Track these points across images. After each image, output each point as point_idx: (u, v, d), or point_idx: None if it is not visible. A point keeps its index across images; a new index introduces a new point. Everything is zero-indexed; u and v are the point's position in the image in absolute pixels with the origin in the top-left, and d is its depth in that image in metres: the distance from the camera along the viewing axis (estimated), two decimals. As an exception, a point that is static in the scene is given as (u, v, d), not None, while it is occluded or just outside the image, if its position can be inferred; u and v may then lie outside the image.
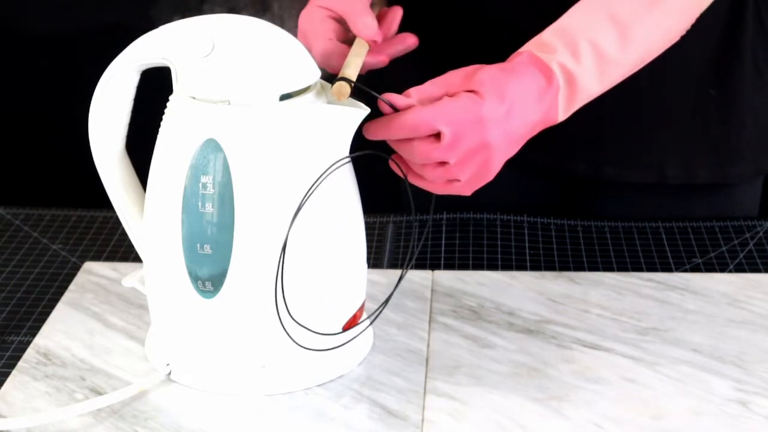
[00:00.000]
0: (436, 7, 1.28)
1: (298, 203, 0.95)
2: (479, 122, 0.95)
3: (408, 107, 0.95)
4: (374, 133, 0.96)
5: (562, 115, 1.01)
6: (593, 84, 1.01)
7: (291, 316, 0.96)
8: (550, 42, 1.00)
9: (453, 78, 0.97)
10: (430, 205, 1.01)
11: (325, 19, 1.07)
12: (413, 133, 0.94)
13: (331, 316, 1.00)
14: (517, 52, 1.00)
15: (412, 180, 0.98)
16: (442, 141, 0.94)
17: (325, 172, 0.95)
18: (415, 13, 1.18)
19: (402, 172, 0.98)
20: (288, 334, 0.97)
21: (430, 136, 0.95)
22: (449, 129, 0.94)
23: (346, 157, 0.96)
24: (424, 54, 1.09)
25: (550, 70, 0.98)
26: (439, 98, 0.96)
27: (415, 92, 0.96)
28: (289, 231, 0.94)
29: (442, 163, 0.96)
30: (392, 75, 1.11)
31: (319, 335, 0.99)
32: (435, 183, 0.98)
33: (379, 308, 1.00)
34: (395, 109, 0.95)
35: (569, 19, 1.01)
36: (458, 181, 0.97)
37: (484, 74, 0.96)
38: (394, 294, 1.12)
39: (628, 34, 1.01)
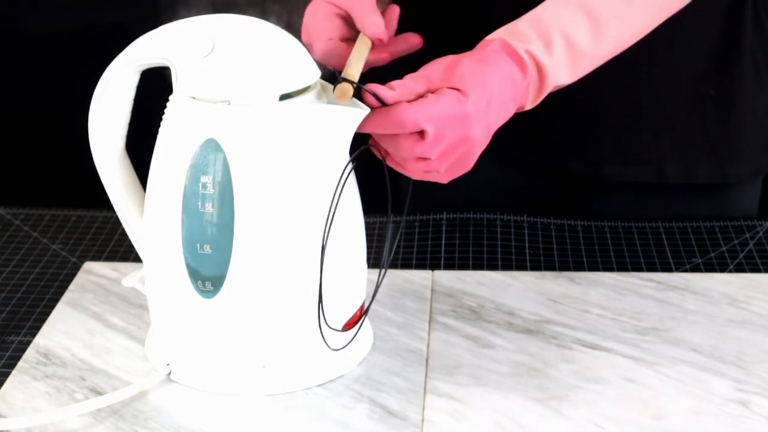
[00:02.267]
0: (436, 8, 1.28)
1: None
2: (463, 119, 0.95)
3: (393, 101, 0.95)
4: (361, 126, 0.96)
5: (530, 105, 1.01)
6: (564, 76, 1.01)
7: (329, 326, 0.97)
8: (524, 32, 1.00)
9: (432, 72, 0.97)
10: (406, 204, 1.02)
11: (329, 16, 1.07)
12: (398, 130, 0.95)
13: (331, 315, 1.00)
14: (488, 38, 1.00)
15: (390, 164, 0.98)
16: (426, 139, 0.94)
17: (346, 167, 0.95)
18: (415, 13, 1.18)
19: (381, 154, 0.98)
20: (323, 338, 0.97)
21: (414, 133, 0.95)
22: (433, 127, 0.94)
23: (363, 148, 0.96)
24: (424, 54, 1.08)
25: (523, 60, 0.98)
26: (422, 94, 0.96)
27: (398, 85, 0.96)
28: (327, 232, 0.94)
29: (424, 158, 0.96)
30: (392, 76, 1.11)
31: (319, 334, 0.99)
32: (413, 173, 0.98)
33: (370, 301, 1.00)
34: (380, 101, 0.95)
35: (544, 9, 1.02)
36: (437, 171, 0.98)
37: (464, 69, 0.97)
38: (394, 294, 1.12)
39: (602, 29, 1.01)
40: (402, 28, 1.12)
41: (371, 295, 1.07)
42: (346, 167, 0.96)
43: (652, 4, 1.05)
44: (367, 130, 0.96)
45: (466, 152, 0.97)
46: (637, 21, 1.05)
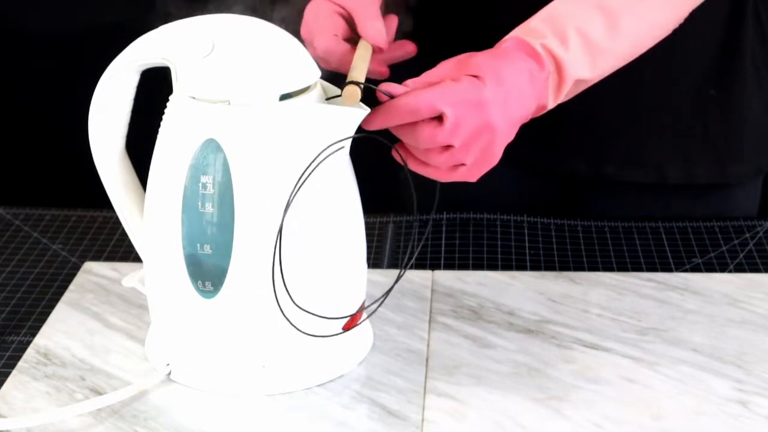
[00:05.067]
0: (438, 13, 1.28)
1: (295, 202, 0.95)
2: (481, 104, 0.94)
3: (406, 93, 0.95)
4: (375, 122, 0.95)
5: (552, 102, 1.01)
6: (583, 71, 1.01)
7: (297, 305, 0.96)
8: (538, 28, 1.00)
9: (447, 66, 0.97)
10: (434, 202, 1.01)
11: (331, 15, 1.07)
12: (415, 116, 0.94)
13: (331, 315, 1.00)
14: (504, 38, 1.00)
15: (414, 168, 0.98)
16: (445, 123, 0.93)
17: (319, 155, 0.94)
18: (417, 18, 1.18)
19: (402, 159, 0.97)
20: (292, 324, 0.97)
21: (433, 119, 0.94)
22: (452, 110, 0.93)
23: (346, 138, 0.95)
24: (427, 58, 1.09)
25: (539, 54, 0.98)
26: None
27: (413, 83, 0.96)
28: (285, 213, 0.93)
29: (447, 147, 0.95)
30: (394, 80, 1.11)
31: (320, 332, 0.99)
32: (440, 169, 0.97)
33: (379, 300, 1.00)
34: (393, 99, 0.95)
35: (556, 7, 1.02)
36: (463, 165, 0.96)
37: (480, 60, 0.96)
38: (394, 294, 1.12)
39: (616, 23, 1.01)
40: (406, 34, 1.12)
41: (372, 295, 1.07)
42: (332, 146, 0.95)
43: (665, 1, 1.05)
44: (382, 125, 0.95)
45: (490, 141, 0.96)
46: (651, 16, 1.04)
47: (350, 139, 0.96)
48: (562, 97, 1.01)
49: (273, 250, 0.94)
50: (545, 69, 0.98)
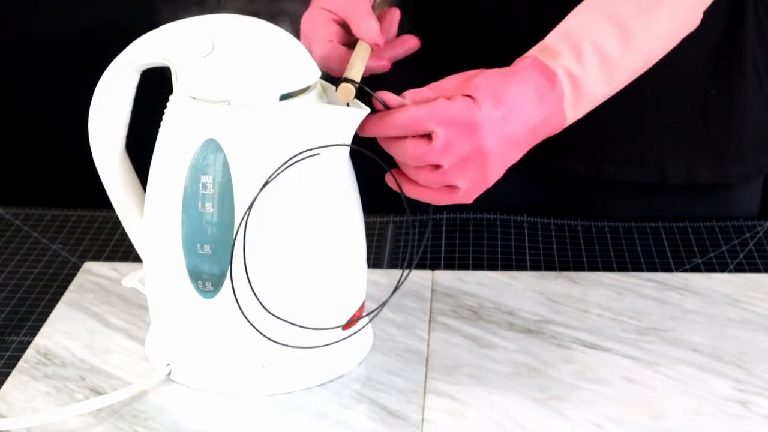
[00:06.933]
0: (439, 11, 1.28)
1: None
2: (473, 127, 0.94)
3: (401, 106, 0.95)
4: (366, 130, 0.95)
5: (570, 119, 1.00)
6: (598, 87, 1.00)
7: (273, 313, 0.96)
8: (554, 46, 0.99)
9: (449, 82, 0.97)
10: (430, 205, 1.01)
11: (327, 22, 1.07)
12: (404, 131, 0.94)
13: (331, 316, 1.00)
14: (522, 57, 1.00)
15: (410, 193, 0.97)
16: (434, 142, 0.93)
17: (290, 159, 0.94)
18: (419, 16, 1.18)
19: (398, 185, 0.97)
20: (292, 326, 0.97)
21: (422, 137, 0.94)
22: (442, 130, 0.93)
23: (345, 145, 0.95)
24: (426, 58, 1.09)
25: (554, 74, 0.97)
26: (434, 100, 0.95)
27: (411, 94, 0.95)
28: (247, 213, 0.93)
29: (437, 167, 0.95)
30: (395, 79, 1.11)
31: (319, 334, 0.99)
32: (433, 191, 0.97)
33: (378, 307, 1.00)
34: (388, 108, 0.95)
35: (571, 22, 1.01)
36: (457, 188, 0.96)
37: (480, 79, 0.96)
38: (395, 294, 1.12)
39: (630, 36, 1.01)
40: (407, 31, 1.12)
41: (372, 295, 1.07)
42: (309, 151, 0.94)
43: (678, 6, 1.05)
44: (373, 134, 0.95)
45: (482, 165, 0.95)
46: (664, 25, 1.03)
47: (350, 140, 0.96)
48: (582, 112, 1.00)
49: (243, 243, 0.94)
50: (557, 87, 0.97)
